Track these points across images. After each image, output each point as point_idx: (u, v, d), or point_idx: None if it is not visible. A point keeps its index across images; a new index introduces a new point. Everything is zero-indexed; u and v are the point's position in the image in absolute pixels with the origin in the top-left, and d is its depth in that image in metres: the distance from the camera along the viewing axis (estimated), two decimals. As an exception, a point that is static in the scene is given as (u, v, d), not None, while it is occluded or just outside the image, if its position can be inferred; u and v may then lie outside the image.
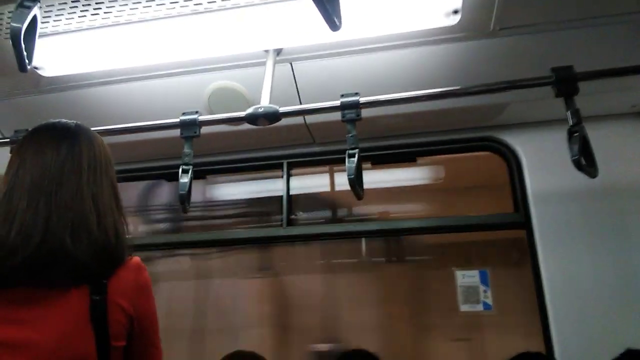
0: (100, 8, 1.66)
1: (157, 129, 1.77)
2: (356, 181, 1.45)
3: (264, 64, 1.82)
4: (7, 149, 1.86)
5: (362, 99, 1.60)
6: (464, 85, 1.63)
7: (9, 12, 1.66)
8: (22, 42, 1.17)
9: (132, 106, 2.07)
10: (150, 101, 2.05)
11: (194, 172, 1.68)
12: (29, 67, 1.22)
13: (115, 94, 2.06)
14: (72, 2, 1.63)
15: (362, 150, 1.55)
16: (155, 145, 2.31)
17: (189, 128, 1.69)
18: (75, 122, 1.24)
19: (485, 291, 2.23)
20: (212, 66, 1.92)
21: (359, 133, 1.58)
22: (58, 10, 1.66)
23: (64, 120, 1.22)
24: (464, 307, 2.24)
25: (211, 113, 1.97)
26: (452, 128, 2.20)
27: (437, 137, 2.21)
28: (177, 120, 1.72)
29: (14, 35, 1.16)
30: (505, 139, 2.16)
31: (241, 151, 2.38)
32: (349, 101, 1.58)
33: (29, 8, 1.19)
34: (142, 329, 1.11)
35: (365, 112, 1.61)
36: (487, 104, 1.97)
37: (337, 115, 1.64)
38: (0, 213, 1.06)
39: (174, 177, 2.46)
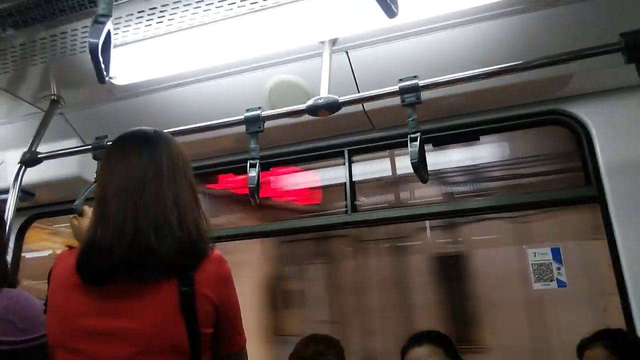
0: (163, 16, 1.75)
1: (223, 126, 1.84)
2: (420, 164, 1.46)
3: (320, 55, 1.86)
4: (89, 155, 2.03)
5: (421, 82, 1.60)
6: (526, 59, 1.58)
7: (83, 27, 1.80)
8: (100, 55, 1.27)
9: (198, 106, 2.17)
10: (214, 100, 2.14)
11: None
12: (106, 78, 1.31)
13: (181, 96, 2.17)
14: (138, 12, 1.73)
15: (423, 132, 1.55)
16: (221, 142, 2.41)
17: (254, 124, 1.76)
18: (154, 128, 1.33)
19: (558, 268, 2.17)
20: (270, 62, 1.99)
21: (419, 115, 1.58)
22: (126, 22, 1.77)
23: (144, 127, 1.31)
24: (537, 286, 2.19)
25: (272, 107, 2.02)
26: (515, 104, 2.13)
27: (501, 113, 2.15)
28: (242, 117, 1.79)
29: (92, 50, 1.26)
30: (573, 111, 2.07)
31: (302, 142, 2.43)
32: (408, 85, 1.59)
33: (103, 23, 1.29)
34: (227, 316, 1.20)
35: (424, 94, 1.61)
36: (551, 77, 1.90)
37: (395, 100, 1.65)
38: (97, 217, 1.17)
39: (240, 171, 2.57)
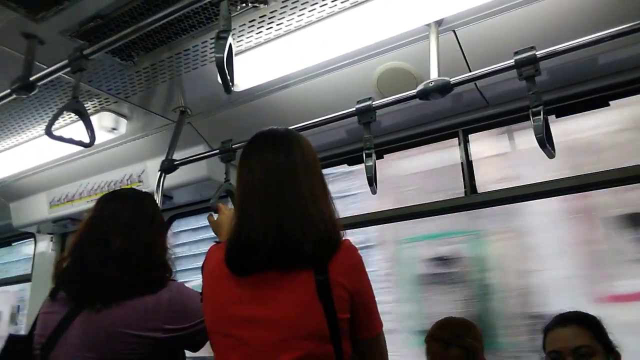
0: (272, 22, 1.85)
1: (337, 120, 1.90)
2: (546, 139, 1.39)
3: (426, 38, 1.83)
4: (216, 158, 2.21)
5: (539, 53, 1.51)
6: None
7: (202, 43, 1.96)
8: (225, 68, 1.38)
9: (310, 102, 2.25)
10: (325, 95, 2.21)
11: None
12: (233, 89, 1.43)
13: (294, 95, 2.27)
14: (250, 22, 1.85)
15: (545, 103, 1.47)
16: (332, 135, 2.49)
17: (366, 114, 1.80)
18: (285, 128, 1.42)
19: None
20: (376, 51, 2.00)
21: (538, 86, 1.50)
22: (239, 32, 1.90)
23: (275, 127, 1.40)
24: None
25: (381, 95, 2.04)
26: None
27: (634, 74, 1.95)
28: (354, 109, 1.83)
29: (219, 64, 1.37)
30: None
31: (414, 126, 2.42)
32: (525, 57, 1.51)
33: (225, 38, 1.40)
34: (361, 302, 1.25)
35: (543, 64, 1.53)
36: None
37: (510, 74, 1.58)
38: (241, 214, 1.28)
39: (354, 162, 2.63)
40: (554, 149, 1.45)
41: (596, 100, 2.03)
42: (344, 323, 1.21)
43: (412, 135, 2.45)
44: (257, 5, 1.74)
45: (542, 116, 1.42)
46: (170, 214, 3.22)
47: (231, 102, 2.37)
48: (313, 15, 1.83)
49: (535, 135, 1.40)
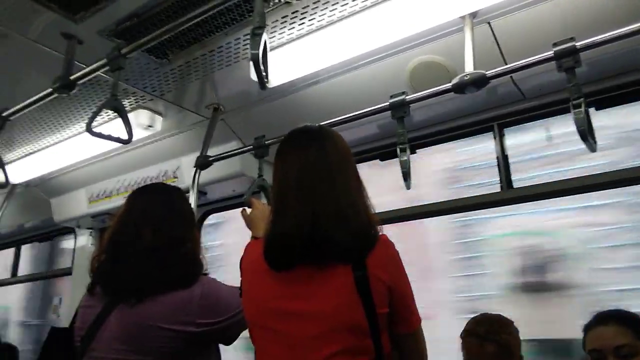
0: (305, 17, 1.86)
1: (370, 115, 1.89)
2: (587, 132, 1.35)
3: (460, 30, 1.80)
4: (249, 154, 2.23)
5: (579, 44, 1.47)
6: None
7: (235, 40, 1.98)
8: (261, 64, 1.39)
9: (343, 98, 2.25)
10: (358, 90, 2.20)
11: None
12: (267, 84, 1.44)
13: (326, 90, 2.27)
14: (282, 18, 1.86)
15: (585, 95, 1.43)
16: (365, 130, 2.48)
17: (399, 109, 1.78)
18: (319, 124, 1.43)
19: None
20: (409, 44, 1.97)
21: (578, 78, 1.46)
22: (272, 28, 1.91)
23: (309, 124, 1.42)
24: None
25: (414, 89, 2.02)
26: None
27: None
28: (387, 103, 1.82)
29: (255, 61, 1.39)
30: None
31: (447, 120, 2.38)
32: (565, 48, 1.47)
33: (260, 35, 1.40)
34: (399, 297, 1.25)
35: (582, 55, 1.48)
36: None
37: (547, 66, 1.54)
38: (277, 210, 1.30)
39: (386, 157, 2.61)
40: (595, 142, 1.41)
41: (637, 92, 1.96)
42: (383, 318, 1.22)
43: (445, 129, 2.42)
44: (290, 1, 1.74)
45: (583, 108, 1.38)
46: (204, 210, 3.27)
47: (264, 99, 2.38)
48: (345, 10, 1.83)
49: (577, 128, 1.36)
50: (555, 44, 1.50)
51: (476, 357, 1.82)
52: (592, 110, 2.02)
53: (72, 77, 1.92)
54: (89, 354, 1.53)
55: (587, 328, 1.67)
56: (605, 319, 1.64)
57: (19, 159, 3.20)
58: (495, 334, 1.80)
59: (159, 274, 1.52)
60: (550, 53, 1.50)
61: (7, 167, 2.41)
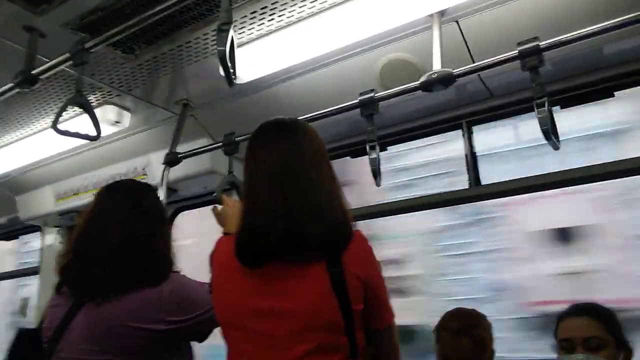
0: (274, 13, 1.84)
1: (340, 112, 1.89)
2: (551, 131, 1.38)
3: (428, 29, 1.82)
4: (220, 150, 2.21)
5: (543, 43, 1.49)
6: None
7: (204, 35, 1.95)
8: (228, 60, 1.37)
9: (313, 94, 2.25)
10: (327, 87, 2.20)
11: (374, 146, 1.76)
12: (235, 81, 1.42)
13: (297, 87, 2.26)
14: (251, 14, 1.84)
15: (549, 94, 1.46)
16: (334, 127, 2.48)
17: (368, 106, 1.78)
18: (290, 117, 1.40)
19: None
20: (378, 42, 1.98)
21: (542, 76, 1.48)
22: (241, 24, 1.89)
23: (281, 117, 1.39)
24: None
25: (384, 87, 2.03)
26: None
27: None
28: (356, 101, 1.82)
29: (221, 57, 1.37)
30: None
31: (417, 118, 2.40)
32: (529, 48, 1.49)
33: (226, 31, 1.39)
34: (374, 293, 1.25)
35: (546, 55, 1.51)
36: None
37: (514, 64, 1.56)
38: (249, 204, 1.27)
39: (358, 154, 2.62)
40: (559, 141, 1.44)
41: (601, 91, 2.01)
42: (358, 314, 1.21)
43: (415, 127, 2.44)
44: (258, -4, 1.73)
45: (546, 107, 1.41)
46: (175, 207, 3.23)
47: (234, 95, 2.36)
48: (315, 6, 1.82)
49: (541, 128, 1.39)
50: (519, 44, 1.52)
51: (450, 351, 1.85)
52: (557, 108, 2.07)
53: (34, 72, 1.87)
54: (56, 354, 1.51)
55: (560, 318, 1.71)
56: (579, 310, 1.68)
57: (-19, 155, 3.10)
58: (469, 328, 1.84)
59: (127, 272, 1.50)
60: (515, 52, 1.53)
61: (-32, 164, 2.34)
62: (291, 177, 1.24)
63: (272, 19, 1.87)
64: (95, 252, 1.52)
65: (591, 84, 2.02)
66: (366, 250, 1.27)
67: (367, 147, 1.75)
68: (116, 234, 1.54)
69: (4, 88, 1.98)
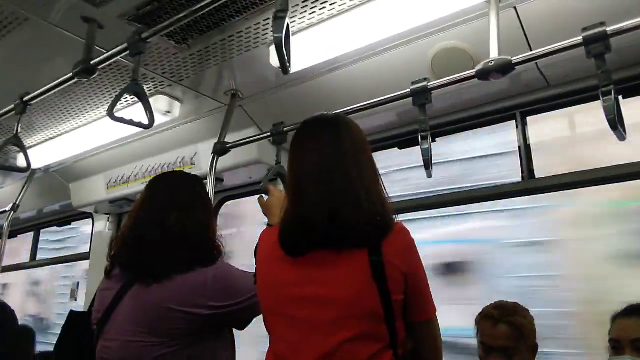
0: (326, 1, 1.82)
1: (391, 101, 1.86)
2: (617, 121, 1.31)
3: (484, 15, 1.76)
4: (266, 141, 2.22)
5: (609, 29, 1.42)
6: None
7: (255, 25, 1.96)
8: (284, 48, 1.37)
9: (363, 84, 2.23)
10: (378, 76, 2.17)
11: (427, 136, 1.73)
12: (290, 69, 1.42)
13: (347, 77, 2.24)
14: (303, 2, 1.83)
15: (615, 83, 1.39)
16: (384, 117, 2.45)
17: (421, 95, 1.75)
18: (334, 113, 1.45)
19: None
20: (431, 30, 1.94)
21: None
22: (292, 12, 1.88)
23: (325, 113, 1.43)
24: None
25: (436, 76, 1.98)
26: None
27: None
28: (408, 90, 1.79)
29: (278, 45, 1.37)
30: None
31: (468, 108, 2.34)
32: (595, 34, 1.41)
33: (283, 18, 1.39)
34: (415, 285, 1.25)
35: (613, 41, 1.43)
36: None
37: (573, 52, 1.50)
38: (294, 196, 1.31)
39: (405, 145, 2.58)
40: (625, 131, 1.37)
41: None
42: (398, 304, 1.22)
43: (466, 117, 2.38)
44: (311, -16, 1.72)
45: (613, 96, 1.34)
46: (220, 197, 3.28)
47: (282, 85, 2.37)
48: (367, -6, 1.79)
49: (607, 117, 1.32)
50: (584, 29, 1.45)
51: (489, 338, 1.84)
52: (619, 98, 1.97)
53: (92, 62, 1.92)
54: (104, 336, 1.56)
55: (614, 318, 1.70)
56: (631, 312, 1.67)
57: (39, 143, 3.23)
58: (508, 315, 1.83)
59: (183, 256, 1.55)
60: (579, 39, 1.45)
61: (28, 152, 2.43)
62: (333, 173, 1.27)
63: (324, 8, 1.86)
64: (154, 236, 1.57)
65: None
66: (406, 242, 1.28)
67: (420, 137, 1.72)
68: (173, 221, 1.59)
69: (63, 78, 2.05)
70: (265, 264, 1.38)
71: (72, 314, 2.19)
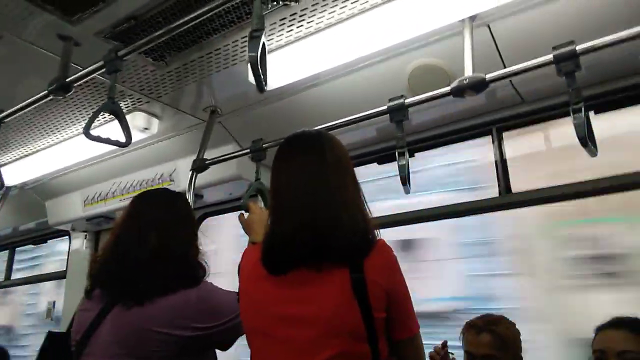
0: (303, 19, 1.84)
1: (368, 118, 1.88)
2: (587, 137, 1.34)
3: (459, 33, 1.79)
4: (245, 158, 2.21)
5: (579, 47, 1.46)
6: None
7: (233, 42, 1.96)
8: (259, 67, 1.38)
9: (341, 101, 2.24)
10: (356, 93, 2.19)
11: (402, 152, 1.75)
12: (265, 87, 1.42)
13: (325, 93, 2.26)
14: (280, 20, 1.84)
15: (585, 99, 1.42)
16: (362, 133, 2.47)
17: (398, 112, 1.77)
18: (317, 129, 1.45)
19: None
20: (407, 48, 1.97)
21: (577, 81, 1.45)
22: (270, 31, 1.89)
23: (307, 129, 1.43)
24: None
25: (413, 92, 2.01)
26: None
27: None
28: (385, 107, 1.80)
29: (253, 63, 1.37)
30: None
31: (445, 124, 2.38)
32: (565, 52, 1.45)
33: (258, 37, 1.39)
34: (397, 302, 1.24)
35: (583, 59, 1.47)
36: None
37: (546, 69, 1.53)
38: (275, 214, 1.30)
39: (385, 160, 2.60)
40: (596, 148, 1.40)
41: (637, 96, 1.95)
42: (380, 322, 1.21)
43: (444, 133, 2.41)
44: (288, 3, 1.73)
45: (583, 113, 1.37)
46: (201, 212, 3.25)
47: (261, 101, 2.37)
48: (344, 12, 1.81)
49: (577, 135, 1.35)
50: (555, 48, 1.49)
51: (473, 347, 1.88)
52: (590, 114, 2.02)
53: (68, 79, 1.90)
54: (83, 358, 1.52)
55: (599, 329, 1.71)
56: (618, 324, 1.67)
57: (14, 161, 3.17)
58: (492, 325, 1.87)
59: (165, 276, 1.52)
60: (549, 57, 1.49)
61: (1, 169, 2.38)
62: (315, 190, 1.27)
63: (301, 26, 1.88)
64: (133, 256, 1.54)
65: (627, 88, 1.97)
66: (388, 258, 1.27)
67: (397, 154, 1.73)
68: (156, 239, 1.56)
69: (39, 95, 2.02)
70: (247, 282, 1.37)
71: (50, 335, 2.14)
